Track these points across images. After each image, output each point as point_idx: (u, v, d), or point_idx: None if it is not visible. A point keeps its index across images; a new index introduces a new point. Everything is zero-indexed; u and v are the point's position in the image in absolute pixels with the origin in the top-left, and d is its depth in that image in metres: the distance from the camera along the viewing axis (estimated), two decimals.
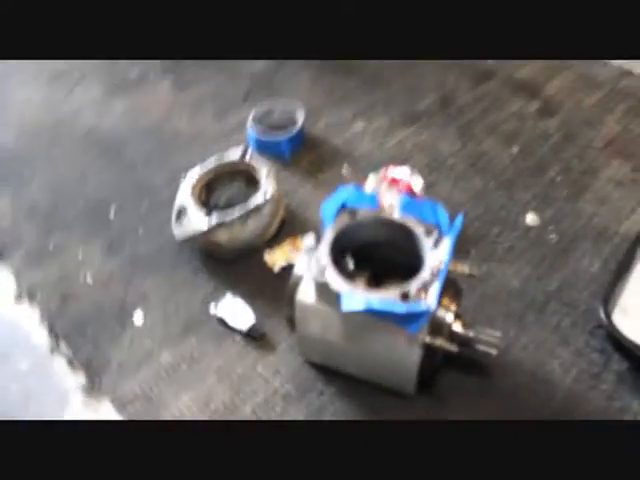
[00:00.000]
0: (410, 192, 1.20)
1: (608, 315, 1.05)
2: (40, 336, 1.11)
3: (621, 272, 1.12)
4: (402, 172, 1.24)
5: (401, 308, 0.83)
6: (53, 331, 1.11)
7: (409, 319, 0.84)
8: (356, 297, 0.84)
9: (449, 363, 0.99)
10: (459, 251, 1.16)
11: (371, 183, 1.24)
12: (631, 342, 1.00)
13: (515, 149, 1.43)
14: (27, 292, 1.18)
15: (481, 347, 0.94)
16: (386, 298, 0.85)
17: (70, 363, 1.07)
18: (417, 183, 1.23)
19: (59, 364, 1.07)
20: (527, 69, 1.68)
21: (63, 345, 1.09)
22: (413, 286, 0.86)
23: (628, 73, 1.64)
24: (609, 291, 1.09)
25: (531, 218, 1.27)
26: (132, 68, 1.75)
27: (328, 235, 0.94)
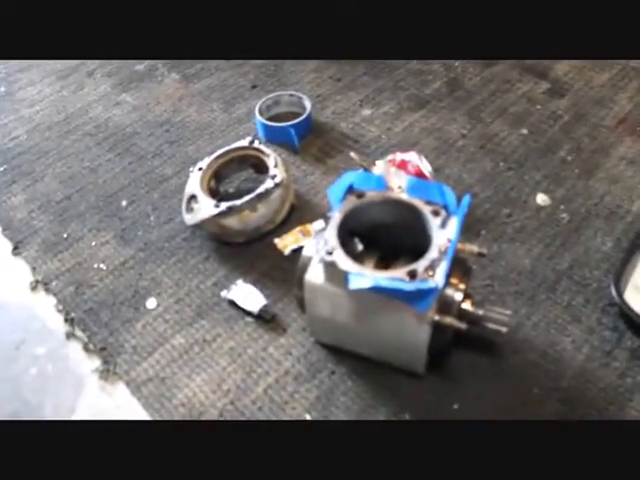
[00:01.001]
0: (419, 175, 1.19)
1: (620, 293, 1.04)
2: (56, 322, 1.13)
3: (633, 250, 1.11)
4: (410, 156, 1.24)
5: (408, 286, 0.83)
6: (68, 317, 1.13)
7: (417, 297, 0.84)
8: (363, 276, 0.85)
9: (460, 342, 0.99)
10: (469, 232, 1.18)
11: (379, 168, 1.24)
12: None
13: (525, 130, 1.43)
14: (43, 280, 1.20)
15: (491, 325, 0.94)
16: (394, 277, 0.85)
17: (85, 348, 1.08)
18: (426, 166, 1.23)
19: (75, 349, 1.09)
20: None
21: (78, 330, 1.11)
22: (421, 265, 0.86)
23: None
24: (621, 269, 1.08)
25: (542, 198, 1.27)
26: (140, 62, 1.77)
27: (336, 217, 0.94)
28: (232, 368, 1.03)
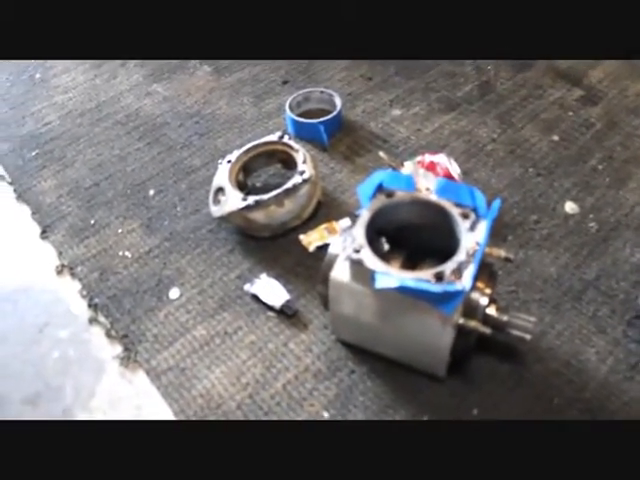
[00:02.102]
0: (448, 177, 1.19)
1: None
2: (79, 307, 1.14)
3: None
4: (439, 159, 1.23)
5: (435, 288, 0.83)
6: (92, 303, 1.14)
7: (443, 299, 0.84)
8: (390, 276, 0.84)
9: (482, 347, 0.98)
10: (496, 237, 1.16)
11: (408, 169, 1.24)
12: None
13: (556, 137, 1.41)
14: (68, 265, 1.21)
15: (515, 332, 0.93)
16: (420, 278, 0.85)
17: (107, 334, 1.10)
18: (455, 169, 1.22)
19: (97, 334, 1.10)
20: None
21: (101, 316, 1.12)
22: (448, 267, 0.86)
23: None
24: None
25: (570, 206, 1.25)
26: None
27: (364, 215, 0.94)
28: (252, 362, 1.03)
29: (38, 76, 1.73)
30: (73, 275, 1.20)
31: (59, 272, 1.21)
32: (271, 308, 1.09)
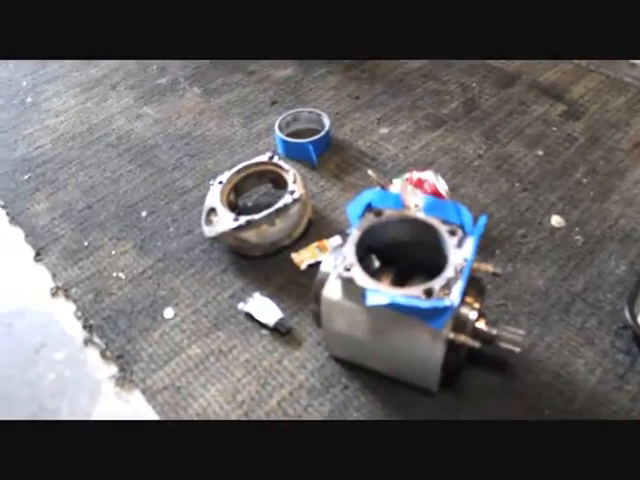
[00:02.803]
0: (435, 194, 1.21)
1: (634, 315, 1.05)
2: (75, 328, 1.15)
3: None
4: (426, 175, 1.25)
5: (425, 304, 0.85)
6: (87, 324, 1.15)
7: (433, 315, 0.86)
8: (380, 293, 0.86)
9: (473, 361, 1.00)
10: (484, 252, 1.19)
11: (396, 186, 1.26)
12: None
13: (540, 152, 1.44)
14: (63, 287, 1.22)
15: (504, 345, 0.95)
16: (410, 294, 0.87)
17: (103, 355, 1.10)
18: (442, 186, 1.25)
19: (92, 355, 1.11)
20: (551, 73, 1.69)
21: (96, 337, 1.13)
22: (437, 283, 0.88)
23: None
24: (635, 292, 1.09)
25: (556, 220, 1.28)
26: (162, 76, 1.81)
27: (354, 234, 0.96)
28: (247, 380, 1.04)
29: (29, 100, 1.75)
30: (68, 297, 1.21)
31: (54, 294, 1.22)
32: (265, 326, 1.10)
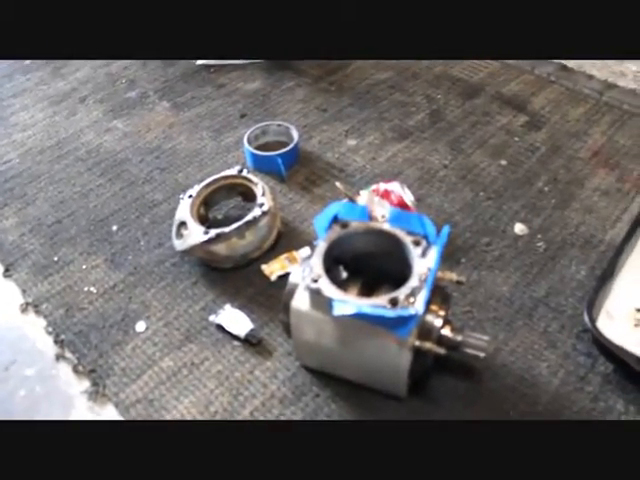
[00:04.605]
0: (402, 205, 1.24)
1: (592, 319, 1.08)
2: (46, 344, 1.15)
3: (606, 278, 1.16)
4: (393, 187, 1.28)
5: (390, 313, 0.87)
6: (58, 339, 1.15)
7: (398, 323, 0.88)
8: (347, 303, 0.89)
9: (440, 367, 1.02)
10: (450, 260, 1.22)
11: (363, 198, 1.28)
12: (614, 345, 1.04)
13: (504, 161, 1.48)
14: (33, 303, 1.22)
15: (469, 351, 0.98)
16: (376, 304, 0.89)
17: (75, 369, 1.11)
18: (408, 196, 1.27)
19: (64, 371, 1.11)
20: (513, 84, 1.74)
21: (68, 352, 1.13)
22: (402, 293, 0.90)
23: (613, 86, 1.70)
24: (594, 296, 1.12)
25: (519, 228, 1.31)
26: (131, 89, 1.81)
27: (321, 246, 0.98)
28: (219, 391, 1.05)
29: None
30: (38, 312, 1.20)
31: (23, 310, 1.22)
32: (236, 337, 1.12)
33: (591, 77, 1.74)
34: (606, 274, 1.16)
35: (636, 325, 1.09)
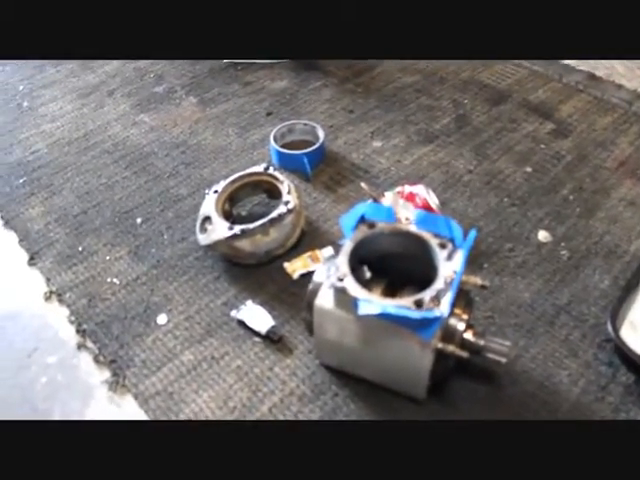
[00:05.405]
0: (426, 208, 1.24)
1: (616, 329, 1.08)
2: (68, 333, 1.16)
3: (630, 288, 1.15)
4: (418, 190, 1.28)
5: (415, 314, 0.87)
6: (80, 328, 1.16)
7: (422, 325, 0.88)
8: (372, 303, 0.89)
9: (460, 370, 1.02)
10: (473, 265, 1.22)
11: (388, 200, 1.28)
12: (638, 355, 1.03)
13: (529, 168, 1.48)
14: (57, 292, 1.23)
15: (491, 356, 0.98)
16: (401, 305, 0.89)
17: (96, 359, 1.12)
18: (433, 200, 1.27)
19: (85, 360, 1.12)
20: (541, 92, 1.73)
21: (90, 342, 1.14)
22: (427, 294, 0.90)
23: None
24: (618, 306, 1.12)
25: (543, 235, 1.31)
26: (158, 84, 1.83)
27: (347, 245, 0.98)
28: (238, 386, 1.06)
29: (26, 104, 1.76)
30: (61, 301, 1.22)
31: (47, 298, 1.23)
32: (257, 334, 1.12)
33: (620, 87, 1.72)
34: (630, 284, 1.16)
35: None
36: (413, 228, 1.00)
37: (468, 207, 1.38)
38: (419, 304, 0.88)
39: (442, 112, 1.67)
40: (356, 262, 0.99)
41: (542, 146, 1.54)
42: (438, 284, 0.91)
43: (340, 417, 1.00)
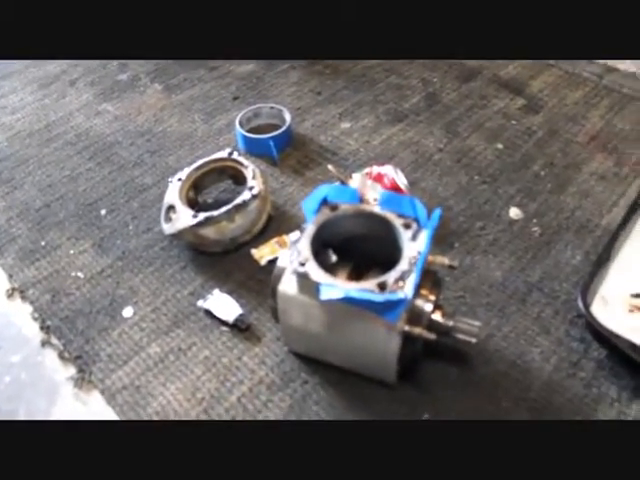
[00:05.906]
0: (395, 188, 1.22)
1: (587, 305, 1.07)
2: (31, 330, 1.14)
3: (601, 262, 1.14)
4: (386, 170, 1.26)
5: (378, 297, 0.85)
6: (44, 325, 1.13)
7: (387, 308, 0.86)
8: (334, 287, 0.87)
9: (431, 353, 1.01)
10: (443, 244, 1.20)
11: (356, 181, 1.26)
12: (608, 330, 1.02)
13: (500, 145, 1.46)
14: (19, 288, 1.20)
15: (461, 336, 0.97)
16: (364, 288, 0.87)
17: (61, 356, 1.09)
18: (401, 180, 1.25)
19: (50, 357, 1.09)
20: (511, 68, 1.71)
21: (54, 338, 1.11)
22: (391, 276, 0.88)
23: (613, 69, 1.67)
24: (588, 281, 1.11)
25: (515, 212, 1.29)
26: (122, 72, 1.78)
27: (309, 229, 0.96)
28: (206, 377, 1.04)
29: None
30: (24, 298, 1.19)
31: (9, 295, 1.20)
32: (224, 323, 1.10)
33: (591, 60, 1.70)
34: (601, 259, 1.15)
35: (630, 311, 1.08)
36: (377, 209, 0.98)
37: (438, 186, 1.36)
38: (383, 287, 0.86)
39: (411, 91, 1.65)
40: (320, 246, 0.97)
41: (513, 122, 1.52)
42: (402, 265, 0.89)
43: (310, 404, 0.99)
